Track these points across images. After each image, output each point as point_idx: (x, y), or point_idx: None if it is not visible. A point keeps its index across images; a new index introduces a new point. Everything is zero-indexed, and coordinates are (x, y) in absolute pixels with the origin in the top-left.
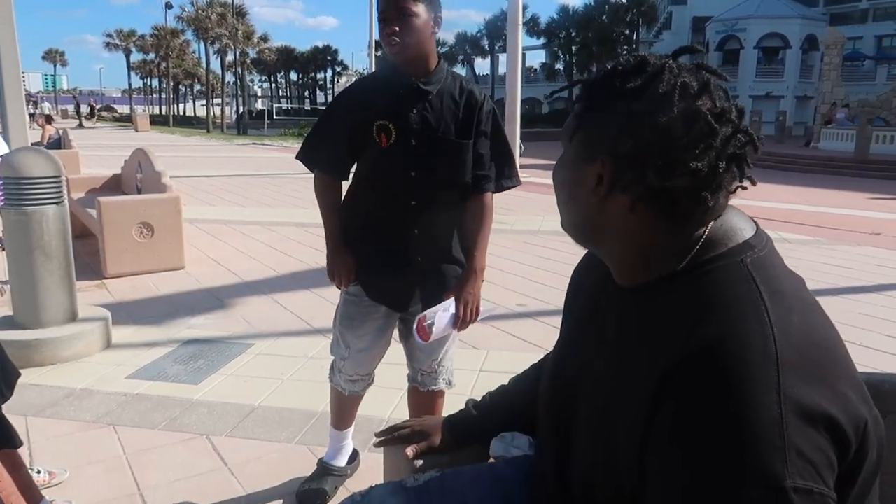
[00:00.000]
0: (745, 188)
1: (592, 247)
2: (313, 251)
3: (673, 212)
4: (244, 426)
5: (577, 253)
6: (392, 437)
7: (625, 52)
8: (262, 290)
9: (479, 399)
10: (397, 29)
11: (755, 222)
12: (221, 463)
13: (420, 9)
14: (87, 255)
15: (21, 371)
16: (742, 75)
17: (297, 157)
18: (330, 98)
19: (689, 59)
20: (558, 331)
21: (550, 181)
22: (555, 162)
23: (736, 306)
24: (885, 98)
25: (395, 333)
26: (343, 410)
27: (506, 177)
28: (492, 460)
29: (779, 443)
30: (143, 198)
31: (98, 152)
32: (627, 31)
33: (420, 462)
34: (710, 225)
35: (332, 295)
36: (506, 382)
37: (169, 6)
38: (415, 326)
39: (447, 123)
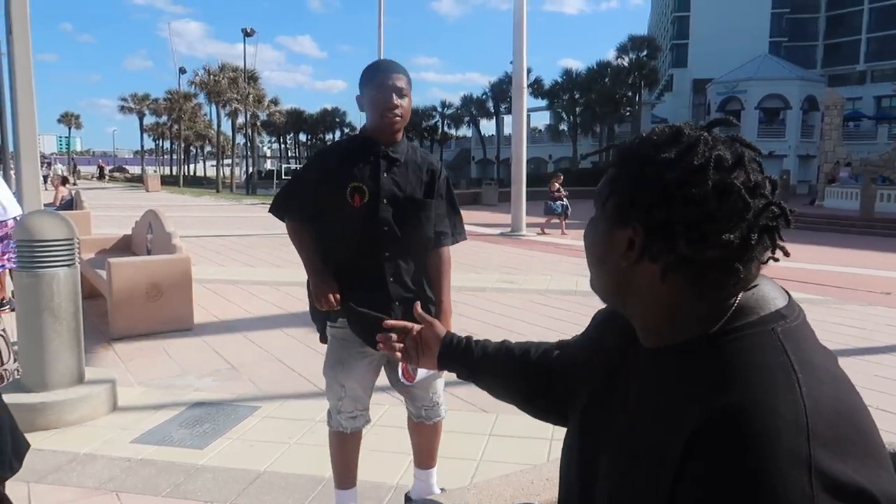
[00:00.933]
0: (776, 259)
1: (620, 308)
2: None
3: (703, 281)
4: (249, 492)
5: (586, 314)
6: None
7: (627, 113)
8: (270, 350)
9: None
10: (400, 107)
11: (787, 293)
12: None
13: (410, 92)
14: (96, 317)
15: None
16: (744, 136)
17: (269, 211)
18: None
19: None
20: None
21: (556, 240)
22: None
23: (766, 374)
24: (888, 157)
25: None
26: (345, 459)
27: (458, 233)
28: None
29: None
30: (154, 259)
31: (109, 212)
32: (630, 93)
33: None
34: (740, 294)
35: None
36: (517, 447)
37: (183, 71)
38: (399, 370)
39: (413, 186)
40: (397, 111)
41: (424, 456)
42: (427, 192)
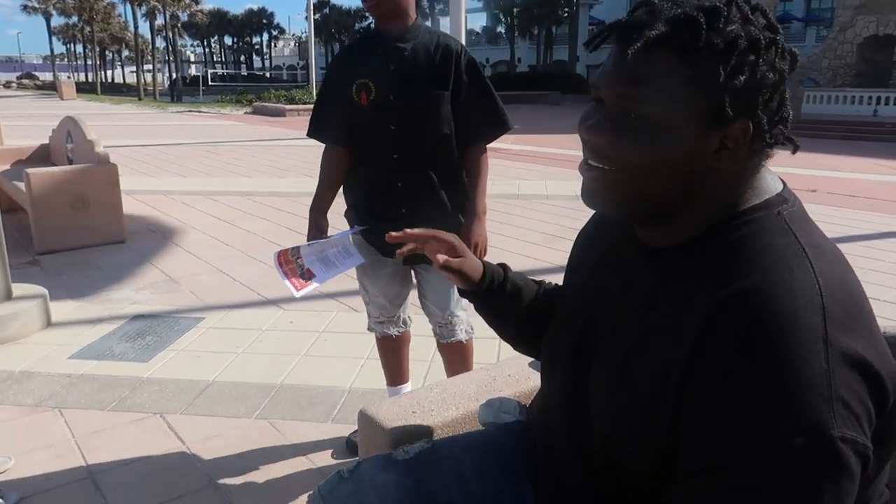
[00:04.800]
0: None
1: (662, 212)
2: (260, 220)
3: (759, 156)
4: (199, 403)
5: (530, 217)
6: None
7: (565, 14)
8: (209, 261)
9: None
10: None
11: (781, 178)
12: (178, 442)
13: None
14: (17, 231)
15: None
16: None
17: (307, 135)
18: (267, 62)
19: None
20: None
21: (495, 144)
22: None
23: (779, 256)
24: (815, 59)
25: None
26: (387, 359)
27: (494, 124)
28: (480, 427)
29: (826, 392)
30: (77, 168)
31: (21, 122)
32: None
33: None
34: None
35: None
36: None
37: None
38: (286, 278)
39: (423, 77)
40: None
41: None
42: (440, 81)
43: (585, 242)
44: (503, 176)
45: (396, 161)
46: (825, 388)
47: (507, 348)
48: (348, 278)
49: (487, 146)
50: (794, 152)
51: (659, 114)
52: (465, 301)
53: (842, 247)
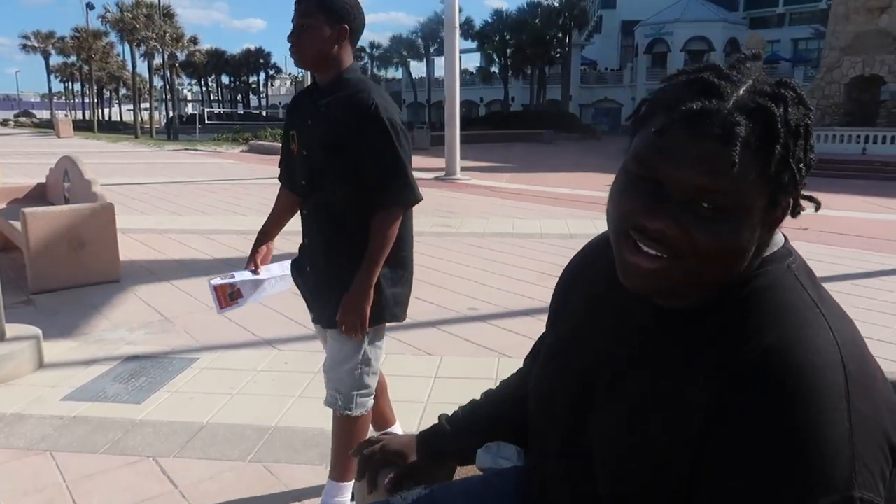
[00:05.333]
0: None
1: (710, 291)
2: None
3: (779, 220)
4: (193, 445)
5: (523, 255)
6: (366, 460)
7: (558, 54)
8: (204, 300)
9: (450, 413)
10: (293, 38)
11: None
12: (171, 485)
13: (317, 20)
14: (12, 271)
15: None
16: None
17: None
18: (263, 101)
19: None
20: (511, 333)
21: (491, 183)
22: (495, 164)
23: (796, 313)
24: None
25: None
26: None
27: (391, 195)
28: (478, 472)
29: (849, 452)
30: (74, 208)
31: (18, 160)
32: (560, 34)
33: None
34: None
35: (278, 304)
36: (462, 389)
37: (91, 7)
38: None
39: (331, 135)
40: (291, 39)
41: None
42: (346, 141)
43: (568, 290)
44: (497, 214)
45: (305, 216)
46: (848, 448)
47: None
48: None
49: (392, 217)
50: (817, 209)
51: (734, 205)
52: (346, 368)
53: (836, 285)
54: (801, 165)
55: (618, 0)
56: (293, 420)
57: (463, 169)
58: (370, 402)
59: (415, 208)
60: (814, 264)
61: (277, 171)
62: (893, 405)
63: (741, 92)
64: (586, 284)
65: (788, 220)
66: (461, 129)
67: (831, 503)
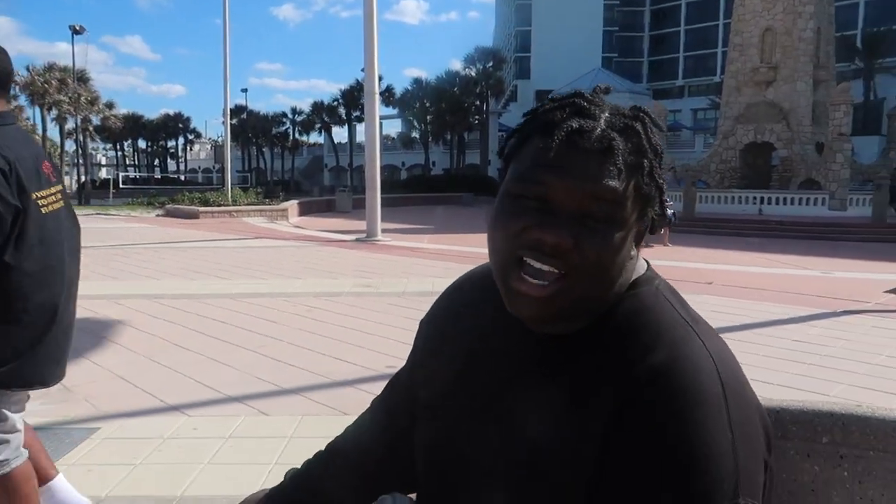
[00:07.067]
0: None
1: (593, 309)
2: (166, 323)
3: (644, 233)
4: None
5: None
6: None
7: (476, 121)
8: (109, 367)
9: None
10: None
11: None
12: None
13: None
14: None
15: None
16: None
17: None
18: (182, 165)
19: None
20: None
21: (411, 244)
22: (415, 226)
23: (673, 331)
24: (704, 163)
25: None
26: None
27: None
28: None
29: (733, 461)
30: None
31: None
32: (478, 102)
33: None
34: None
35: (187, 369)
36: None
37: None
38: None
39: None
40: None
41: None
42: None
43: (434, 346)
44: (417, 274)
45: None
46: (732, 457)
47: None
48: (255, 380)
49: None
50: (669, 223)
51: (618, 216)
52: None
53: (738, 334)
54: (661, 181)
55: (532, 71)
56: (201, 489)
57: (384, 231)
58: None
59: (336, 269)
60: (720, 316)
61: (195, 234)
62: (761, 407)
63: (607, 114)
64: (454, 339)
65: (694, 275)
66: (383, 192)
67: None
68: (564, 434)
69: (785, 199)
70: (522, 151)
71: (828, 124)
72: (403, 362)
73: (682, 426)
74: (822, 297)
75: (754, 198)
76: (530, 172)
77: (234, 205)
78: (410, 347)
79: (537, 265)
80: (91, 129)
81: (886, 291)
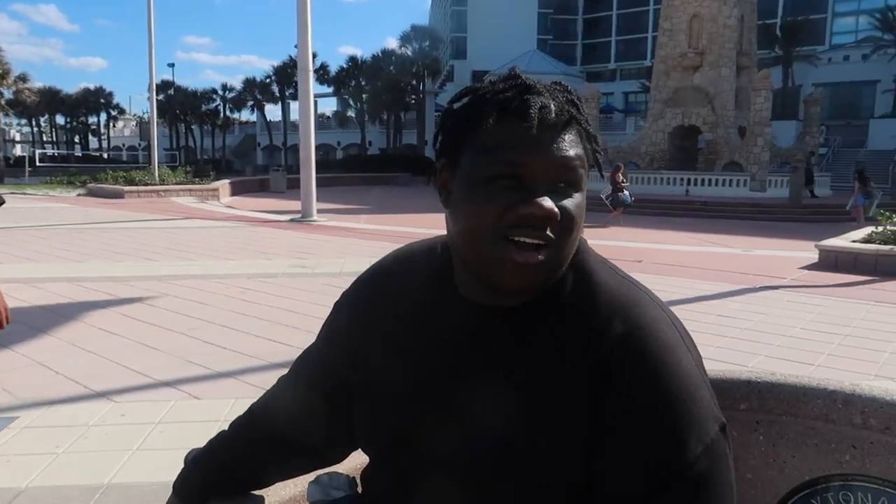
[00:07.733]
0: None
1: (551, 278)
2: (90, 307)
3: None
4: None
5: None
6: None
7: (412, 101)
8: (28, 354)
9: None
10: None
11: None
12: None
13: None
14: None
15: None
16: None
17: None
18: (105, 143)
19: None
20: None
21: (347, 224)
22: (352, 206)
23: (627, 291)
24: (635, 145)
25: None
26: None
27: None
28: None
29: (707, 389)
30: None
31: None
32: (414, 82)
33: None
34: None
35: (114, 354)
36: None
37: None
38: None
39: None
40: None
41: None
42: None
43: (366, 329)
44: (354, 255)
45: None
46: (706, 386)
47: None
48: (186, 363)
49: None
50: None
51: (580, 181)
52: None
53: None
54: (597, 143)
55: (468, 51)
56: (129, 476)
57: (320, 211)
58: None
59: (270, 250)
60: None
61: (120, 214)
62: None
63: (560, 93)
64: (395, 314)
65: (624, 253)
66: (318, 171)
67: (719, 429)
68: (552, 400)
69: (710, 180)
70: (480, 134)
71: (749, 109)
72: None
73: (664, 370)
74: (743, 273)
75: (681, 179)
76: (505, 153)
77: (161, 184)
78: None
79: (529, 240)
80: (3, 102)
81: (801, 268)
